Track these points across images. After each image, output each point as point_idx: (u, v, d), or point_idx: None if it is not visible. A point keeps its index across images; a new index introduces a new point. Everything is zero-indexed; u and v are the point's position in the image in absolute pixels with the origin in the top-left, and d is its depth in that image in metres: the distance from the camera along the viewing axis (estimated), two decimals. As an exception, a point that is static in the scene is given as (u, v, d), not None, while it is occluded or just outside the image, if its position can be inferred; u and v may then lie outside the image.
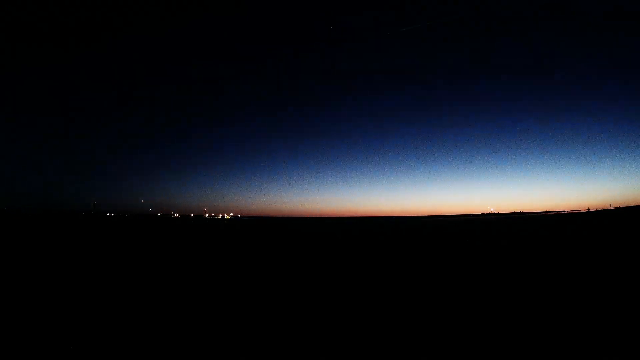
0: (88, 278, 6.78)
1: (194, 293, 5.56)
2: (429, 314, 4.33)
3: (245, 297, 5.27)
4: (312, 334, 3.70)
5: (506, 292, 5.35)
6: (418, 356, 3.15)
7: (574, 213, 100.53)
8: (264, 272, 7.63)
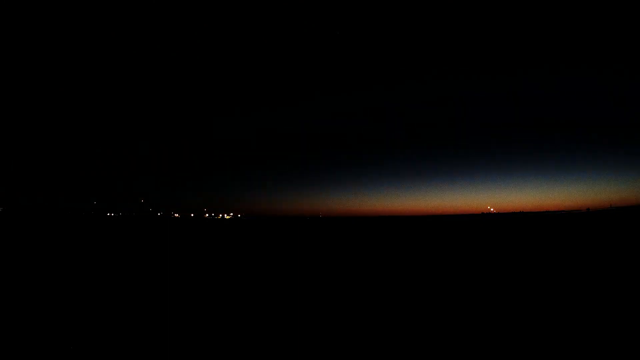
0: (87, 278, 6.78)
1: (193, 294, 5.57)
2: (430, 314, 4.34)
3: (243, 299, 5.27)
4: (310, 335, 3.70)
5: (506, 292, 5.36)
6: (418, 356, 3.15)
7: (574, 213, 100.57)
8: (262, 273, 7.63)
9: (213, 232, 27.17)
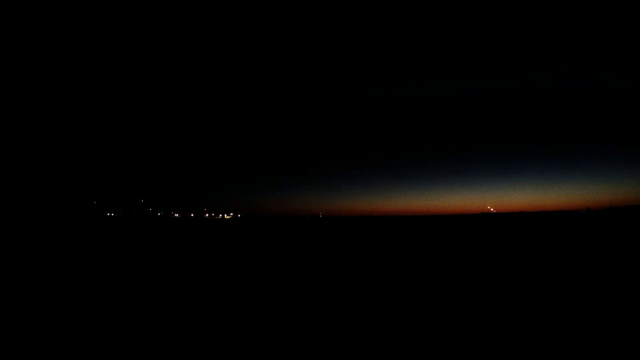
0: (88, 278, 6.78)
1: (194, 294, 5.57)
2: (430, 314, 4.34)
3: (243, 300, 5.28)
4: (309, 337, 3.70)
5: (506, 292, 5.36)
6: (418, 356, 3.15)
7: (574, 213, 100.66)
8: (262, 273, 7.64)
9: (213, 232, 27.17)
